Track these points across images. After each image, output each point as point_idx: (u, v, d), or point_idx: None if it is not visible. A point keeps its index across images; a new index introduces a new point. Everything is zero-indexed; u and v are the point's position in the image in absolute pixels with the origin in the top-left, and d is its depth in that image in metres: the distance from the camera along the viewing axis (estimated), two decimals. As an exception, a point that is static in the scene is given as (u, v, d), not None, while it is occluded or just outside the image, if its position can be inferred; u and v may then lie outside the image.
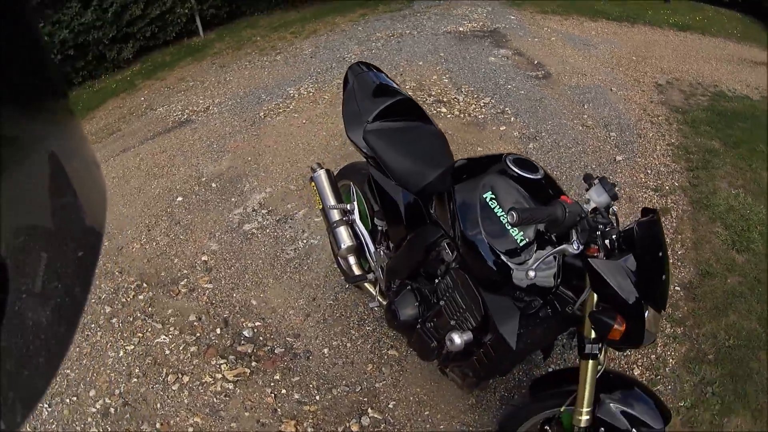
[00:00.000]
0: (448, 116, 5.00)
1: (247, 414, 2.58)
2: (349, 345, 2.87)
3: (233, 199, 4.02)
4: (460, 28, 7.71)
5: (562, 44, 7.63)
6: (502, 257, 1.74)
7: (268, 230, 3.68)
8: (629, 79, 6.64)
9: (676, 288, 3.22)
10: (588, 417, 1.76)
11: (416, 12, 8.68)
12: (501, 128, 4.84)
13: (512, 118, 5.00)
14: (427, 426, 2.49)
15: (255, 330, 2.99)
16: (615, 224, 1.65)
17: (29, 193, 0.40)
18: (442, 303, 2.02)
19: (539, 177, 1.82)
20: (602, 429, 1.79)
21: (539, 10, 9.31)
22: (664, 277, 1.60)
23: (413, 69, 6.07)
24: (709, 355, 2.72)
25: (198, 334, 2.94)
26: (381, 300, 2.55)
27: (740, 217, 3.84)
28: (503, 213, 1.76)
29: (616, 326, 1.59)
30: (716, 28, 10.61)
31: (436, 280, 2.10)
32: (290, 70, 6.42)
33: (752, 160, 4.65)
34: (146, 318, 3.05)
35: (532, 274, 1.60)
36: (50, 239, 0.42)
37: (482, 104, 5.26)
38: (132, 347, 2.89)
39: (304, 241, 3.55)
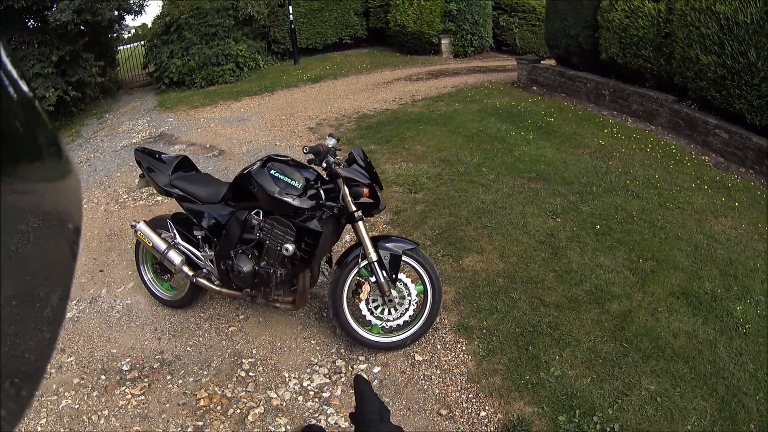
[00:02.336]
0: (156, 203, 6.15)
1: (168, 406, 3.98)
2: (201, 339, 4.48)
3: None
4: (134, 140, 9.97)
5: (221, 126, 10.51)
6: (290, 198, 3.88)
7: (99, 303, 5.02)
8: (286, 132, 9.61)
9: (385, 225, 5.94)
10: (374, 253, 3.76)
11: (88, 139, 10.85)
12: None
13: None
14: (286, 351, 4.30)
15: (130, 362, 4.41)
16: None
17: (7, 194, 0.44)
18: (267, 242, 3.72)
19: (291, 157, 4.25)
20: (385, 256, 3.81)
21: (190, 107, 12.45)
22: (375, 172, 4.18)
23: (113, 179, 8.03)
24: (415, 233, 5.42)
25: (90, 386, 4.18)
26: (220, 281, 4.11)
27: (410, 175, 6.99)
28: (284, 177, 3.90)
29: (365, 191, 3.68)
30: (346, 69, 15.49)
31: (258, 235, 3.75)
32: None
33: (401, 147, 8.11)
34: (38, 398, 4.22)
35: (308, 202, 3.84)
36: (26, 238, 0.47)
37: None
38: (44, 420, 3.94)
39: (122, 304, 4.97)
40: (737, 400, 3.45)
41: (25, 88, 0.53)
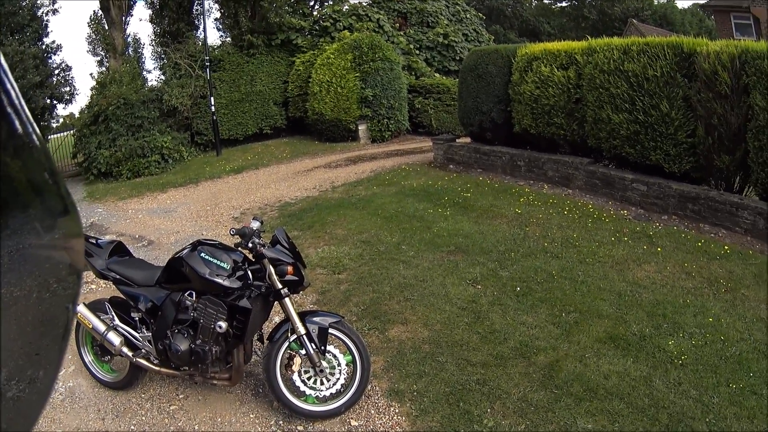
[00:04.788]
0: (90, 290, 6.27)
1: None
2: (144, 419, 4.48)
3: None
4: None
5: (149, 217, 10.81)
6: (220, 279, 4.15)
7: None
8: (211, 222, 10.00)
9: (311, 305, 6.04)
10: (301, 327, 4.10)
11: None
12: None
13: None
14: (227, 425, 4.38)
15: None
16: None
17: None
18: (201, 321, 4.02)
19: (219, 241, 4.59)
20: (312, 330, 4.27)
21: (118, 198, 12.89)
22: (298, 251, 4.48)
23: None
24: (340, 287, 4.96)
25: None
26: (158, 360, 4.42)
27: (332, 257, 7.26)
28: (214, 259, 4.19)
29: (289, 269, 4.09)
30: (267, 159, 16.30)
31: (192, 315, 4.19)
32: None
33: (323, 232, 8.47)
34: None
35: (237, 282, 4.15)
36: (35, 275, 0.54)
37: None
38: None
39: (64, 387, 4.95)
40: (684, 424, 3.62)
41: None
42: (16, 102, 0.63)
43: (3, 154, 0.60)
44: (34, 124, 0.64)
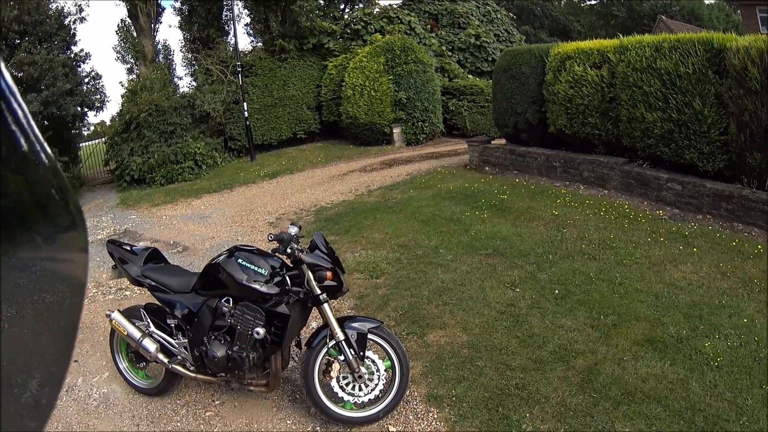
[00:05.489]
0: (125, 297, 6.55)
1: None
2: (179, 425, 4.53)
3: None
4: (98, 237, 10.39)
5: (183, 223, 11.03)
6: (258, 285, 4.23)
7: (76, 391, 5.11)
8: (246, 228, 10.16)
9: (349, 310, 6.17)
10: (340, 333, 4.11)
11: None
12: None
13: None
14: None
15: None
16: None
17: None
18: (239, 328, 4.07)
19: (256, 246, 4.69)
20: (351, 335, 4.34)
21: (151, 204, 13.14)
22: (336, 256, 4.57)
23: (91, 274, 7.92)
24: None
25: None
26: (194, 367, 4.40)
27: (370, 261, 7.36)
28: (251, 265, 4.28)
29: (328, 274, 4.12)
30: (301, 163, 16.46)
31: (229, 321, 4.15)
32: None
33: (359, 236, 8.59)
34: None
35: (275, 288, 4.23)
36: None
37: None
38: None
39: (98, 393, 5.09)
40: (719, 427, 3.64)
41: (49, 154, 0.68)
42: (23, 121, 0.65)
43: (5, 171, 0.62)
44: (44, 143, 0.67)
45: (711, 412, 3.83)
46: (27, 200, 0.66)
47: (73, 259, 0.75)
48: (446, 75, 20.28)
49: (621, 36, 9.29)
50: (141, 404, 4.76)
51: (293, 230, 4.28)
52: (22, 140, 0.65)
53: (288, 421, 4.37)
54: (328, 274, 4.11)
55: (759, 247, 6.46)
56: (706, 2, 47.63)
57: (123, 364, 4.93)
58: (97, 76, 19.58)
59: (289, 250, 4.09)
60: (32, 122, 0.65)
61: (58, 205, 0.72)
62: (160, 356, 4.43)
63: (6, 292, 0.59)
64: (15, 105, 0.64)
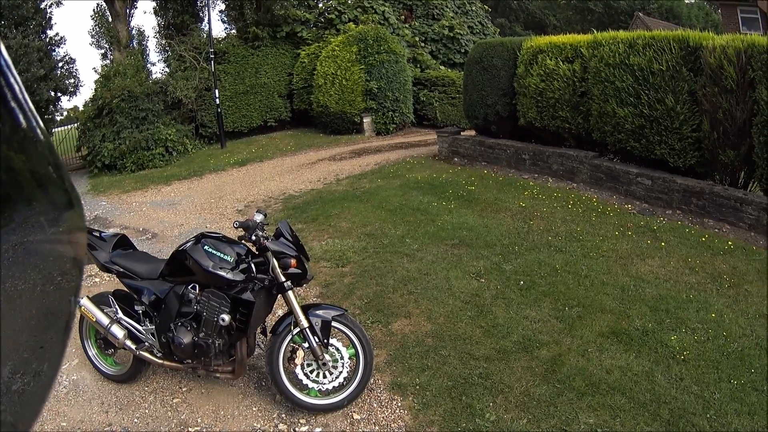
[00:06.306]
0: (94, 284, 6.42)
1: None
2: (147, 411, 4.55)
3: None
4: None
5: (153, 210, 10.90)
6: (224, 272, 4.18)
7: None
8: (215, 215, 10.06)
9: (315, 298, 6.05)
10: (304, 320, 4.13)
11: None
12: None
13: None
14: (229, 418, 4.40)
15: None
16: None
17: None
18: (204, 314, 4.07)
19: (222, 234, 4.61)
20: (315, 323, 4.32)
21: (122, 191, 13.01)
22: (301, 244, 4.51)
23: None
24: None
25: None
26: (162, 353, 4.48)
27: (336, 250, 7.28)
28: (217, 252, 4.21)
29: (292, 262, 4.13)
30: (271, 151, 16.29)
31: (196, 308, 4.25)
32: None
33: (327, 224, 8.47)
34: None
35: (241, 275, 4.18)
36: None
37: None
38: None
39: (68, 380, 5.00)
40: (685, 420, 3.65)
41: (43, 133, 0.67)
42: (20, 96, 0.64)
43: (7, 148, 0.61)
44: (38, 118, 0.66)
45: (677, 405, 3.82)
46: (29, 180, 0.65)
47: (74, 239, 0.75)
48: (418, 66, 20.16)
49: (596, 31, 9.26)
50: (110, 391, 4.75)
51: (259, 217, 4.33)
52: (21, 117, 0.64)
53: (254, 408, 4.39)
54: (293, 261, 4.14)
55: (729, 243, 6.49)
56: (686, 1, 48.02)
57: (92, 351, 4.91)
58: (71, 61, 19.28)
59: (254, 238, 4.09)
60: (27, 97, 0.65)
61: (56, 183, 0.71)
62: (128, 343, 4.41)
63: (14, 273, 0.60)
64: (12, 80, 0.63)
